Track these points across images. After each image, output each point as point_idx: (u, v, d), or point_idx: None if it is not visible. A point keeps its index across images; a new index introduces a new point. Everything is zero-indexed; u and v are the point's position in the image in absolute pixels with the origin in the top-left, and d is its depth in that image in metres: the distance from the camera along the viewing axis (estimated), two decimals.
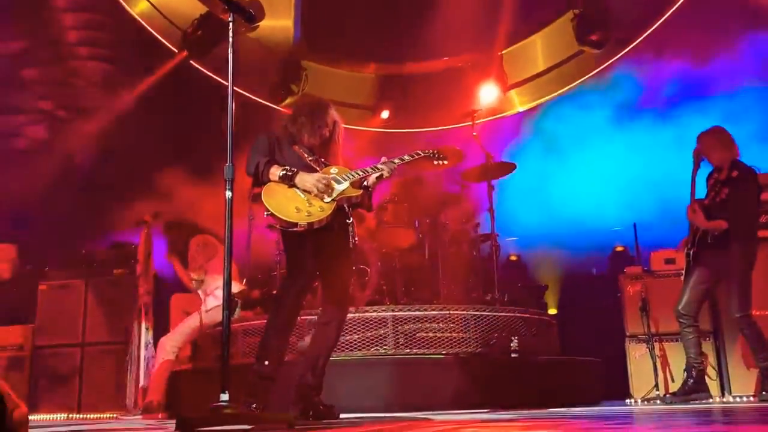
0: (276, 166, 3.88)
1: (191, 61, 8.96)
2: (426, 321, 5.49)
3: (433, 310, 5.56)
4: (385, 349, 5.37)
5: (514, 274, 8.69)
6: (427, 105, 9.62)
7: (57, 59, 8.67)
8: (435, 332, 5.49)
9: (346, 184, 3.95)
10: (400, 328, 5.44)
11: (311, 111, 4.13)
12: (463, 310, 5.61)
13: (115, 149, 8.45)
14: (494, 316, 5.68)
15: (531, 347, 5.79)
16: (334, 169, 4.01)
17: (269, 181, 3.87)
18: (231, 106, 3.34)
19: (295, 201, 3.83)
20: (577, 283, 8.71)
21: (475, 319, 5.58)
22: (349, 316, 5.33)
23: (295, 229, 3.79)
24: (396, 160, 4.11)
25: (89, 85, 8.96)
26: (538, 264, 9.06)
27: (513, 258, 9.20)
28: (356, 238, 4.04)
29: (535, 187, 9.20)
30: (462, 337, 5.49)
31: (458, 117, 8.17)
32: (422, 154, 4.22)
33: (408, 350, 5.38)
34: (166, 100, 8.87)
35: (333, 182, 3.93)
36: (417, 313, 5.51)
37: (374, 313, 5.48)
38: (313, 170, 3.99)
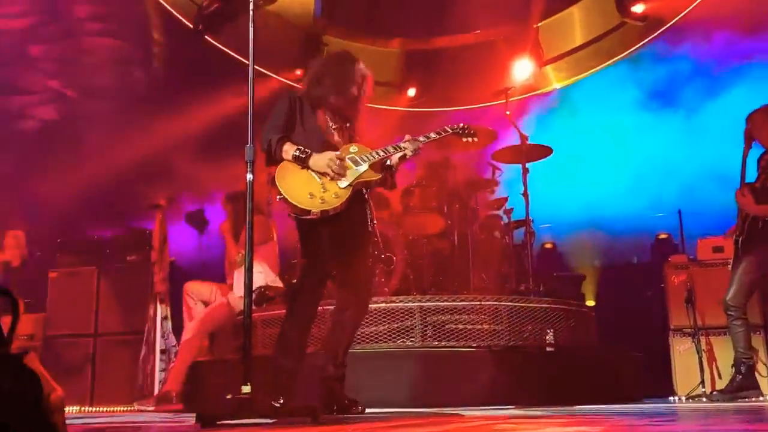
0: (289, 144, 3.81)
1: (206, 37, 9.00)
2: (455, 312, 5.50)
3: (463, 300, 5.56)
4: (412, 341, 5.39)
5: (550, 263, 8.68)
6: (457, 82, 9.59)
7: (66, 35, 8.77)
8: (465, 324, 5.49)
9: (365, 166, 3.87)
10: (428, 319, 5.45)
11: (338, 69, 4.05)
12: (495, 301, 5.60)
13: (128, 130, 8.55)
14: (528, 307, 5.67)
15: (567, 341, 5.78)
16: (353, 148, 3.93)
17: (282, 159, 3.82)
18: (252, 83, 3.37)
19: (310, 185, 3.75)
20: (617, 273, 8.68)
21: (507, 311, 5.58)
22: (375, 306, 5.39)
23: (308, 216, 3.74)
24: (421, 138, 4.05)
25: (100, 62, 9.06)
26: (574, 252, 9.05)
27: (548, 246, 9.18)
28: (375, 222, 4.04)
29: (572, 169, 9.17)
30: (494, 330, 5.49)
31: (490, 95, 8.12)
32: (450, 131, 4.18)
33: (436, 343, 5.39)
34: (181, 78, 8.94)
35: (351, 163, 3.85)
36: (446, 303, 5.51)
37: (401, 304, 5.49)
38: (332, 144, 3.91)
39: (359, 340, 5.29)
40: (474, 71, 9.32)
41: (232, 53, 9.03)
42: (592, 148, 9.36)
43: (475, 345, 5.41)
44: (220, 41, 9.08)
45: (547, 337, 5.69)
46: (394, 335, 5.42)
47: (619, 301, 8.03)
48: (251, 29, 3.41)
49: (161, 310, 6.36)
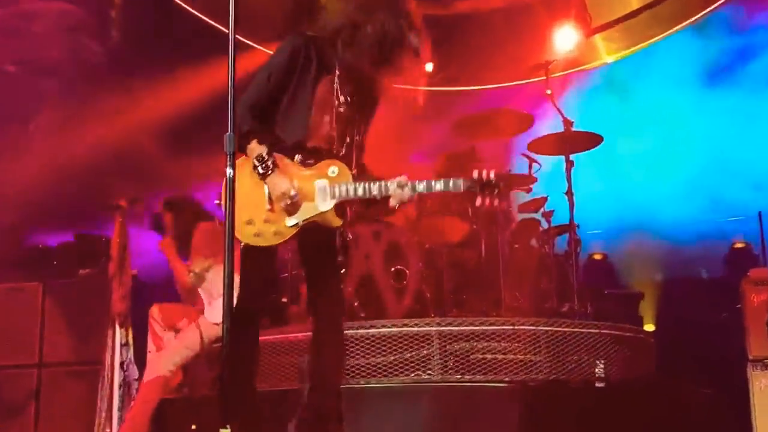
0: (254, 142, 3.65)
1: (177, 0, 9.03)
2: (483, 338, 5.47)
3: (493, 324, 5.53)
4: (429, 374, 5.36)
5: (599, 278, 8.69)
6: (485, 55, 9.56)
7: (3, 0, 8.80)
8: (495, 353, 5.46)
9: (328, 205, 3.72)
10: (449, 347, 5.42)
11: (387, 7, 3.68)
12: (532, 325, 5.56)
13: (81, 114, 8.57)
14: (573, 333, 5.63)
15: (621, 374, 5.75)
16: (333, 169, 3.75)
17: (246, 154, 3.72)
18: (232, 56, 3.35)
19: (255, 206, 3.69)
20: (683, 290, 8.64)
21: (547, 337, 5.54)
22: (383, 331, 5.40)
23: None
24: (420, 187, 3.69)
25: (46, 31, 9.08)
26: (630, 264, 9.02)
27: (597, 257, 9.17)
28: (345, 239, 3.99)
29: (626, 161, 9.15)
30: (531, 360, 5.45)
31: (526, 71, 8.11)
32: (462, 187, 3.69)
33: (459, 376, 5.36)
34: (146, 50, 8.95)
35: (317, 196, 3.71)
36: (471, 328, 5.48)
37: (415, 328, 5.46)
38: (314, 148, 3.79)
39: (363, 373, 5.28)
40: (505, 41, 9.29)
41: (208, 20, 9.03)
42: (651, 136, 9.33)
43: (507, 379, 5.37)
44: (194, 5, 9.09)
45: (597, 370, 5.65)
46: (407, 367, 5.39)
47: (685, 325, 7.98)
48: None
49: (120, 335, 6.35)
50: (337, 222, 3.78)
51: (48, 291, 7.02)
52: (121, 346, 6.41)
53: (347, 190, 3.71)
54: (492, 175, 3.65)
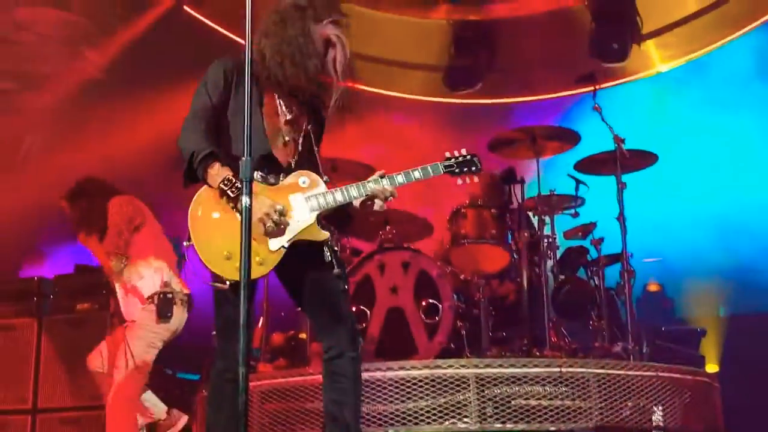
0: (219, 165, 3.63)
1: (185, 7, 9.11)
2: (525, 382, 5.41)
3: (536, 366, 5.48)
4: (466, 422, 5.31)
5: (656, 314, 8.63)
6: (524, 65, 9.58)
7: None
8: (539, 399, 5.41)
9: (310, 218, 3.75)
10: (487, 392, 5.36)
11: (286, 29, 3.81)
12: (581, 367, 5.51)
13: (80, 131, 8.65)
14: (626, 375, 5.56)
15: (682, 422, 5.67)
16: (303, 179, 3.81)
17: (205, 182, 3.68)
18: (248, 72, 3.35)
19: (229, 238, 3.56)
20: (752, 326, 8.53)
21: (597, 380, 5.47)
22: (414, 373, 5.35)
23: (218, 285, 3.65)
24: (399, 179, 3.86)
25: (43, 42, 9.18)
26: (690, 297, 8.96)
27: (653, 288, 9.11)
28: (336, 251, 3.91)
29: (684, 183, 9.10)
30: (579, 407, 5.39)
31: (570, 82, 8.09)
32: (441, 170, 3.96)
33: (500, 425, 5.30)
34: (152, 62, 9.03)
35: (293, 213, 3.73)
36: (512, 370, 5.42)
37: (449, 370, 5.41)
38: (272, 157, 3.78)
39: (391, 421, 5.24)
40: (547, 50, 9.30)
41: (219, 29, 9.11)
42: (712, 154, 9.26)
43: (553, 428, 5.32)
44: (204, 13, 9.18)
45: (654, 418, 5.60)
46: (440, 414, 5.34)
47: (755, 366, 7.88)
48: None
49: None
50: (323, 235, 3.80)
51: (44, 328, 7.04)
52: None
53: (326, 199, 3.78)
54: (464, 151, 4.01)
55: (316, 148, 3.99)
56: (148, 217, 5.96)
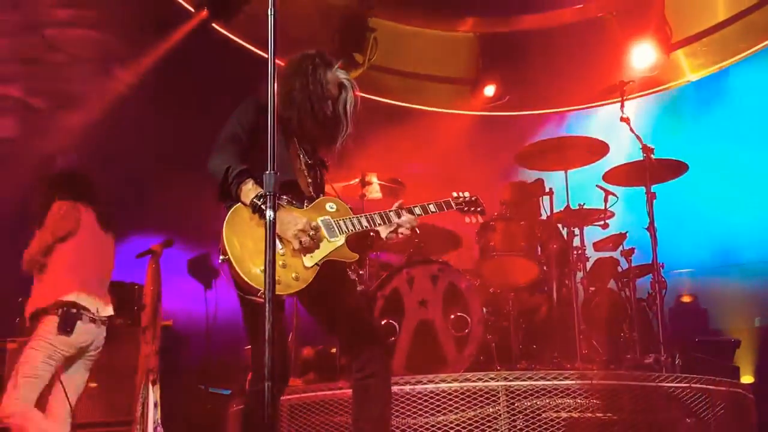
0: (253, 183, 3.80)
1: (213, 24, 9.17)
2: (556, 395, 5.40)
3: (567, 378, 5.45)
4: None
5: (688, 324, 8.55)
6: (552, 76, 9.54)
7: (27, 26, 9.01)
8: (570, 411, 5.38)
9: (341, 240, 3.94)
10: (517, 404, 5.35)
11: (300, 78, 4.06)
12: (613, 379, 5.49)
13: (110, 150, 8.72)
14: (659, 387, 5.54)
15: None
16: (330, 205, 4.04)
17: (238, 200, 3.83)
18: (273, 87, 3.37)
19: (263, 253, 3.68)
20: None
21: (629, 393, 5.45)
22: (444, 386, 5.35)
23: (253, 298, 3.75)
24: (417, 211, 4.14)
25: (72, 61, 9.28)
26: (724, 308, 8.87)
27: (686, 300, 9.02)
28: (359, 272, 4.08)
29: (716, 192, 9.03)
30: (611, 420, 5.36)
31: (599, 92, 8.07)
32: (453, 205, 4.34)
33: None
34: (181, 79, 9.09)
35: (324, 230, 3.92)
36: (542, 382, 5.41)
37: (478, 383, 5.41)
38: (299, 188, 3.97)
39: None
40: (575, 60, 9.27)
41: (247, 45, 9.17)
42: (744, 163, 9.19)
43: None
44: (232, 30, 9.24)
45: (687, 430, 5.54)
46: (470, 427, 5.32)
47: None
48: (271, 13, 3.42)
49: (152, 394, 6.37)
50: (353, 256, 3.99)
51: None
52: (154, 405, 6.43)
53: (353, 223, 4.01)
54: (466, 194, 4.39)
55: (320, 181, 4.20)
56: (87, 229, 5.82)
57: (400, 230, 4.06)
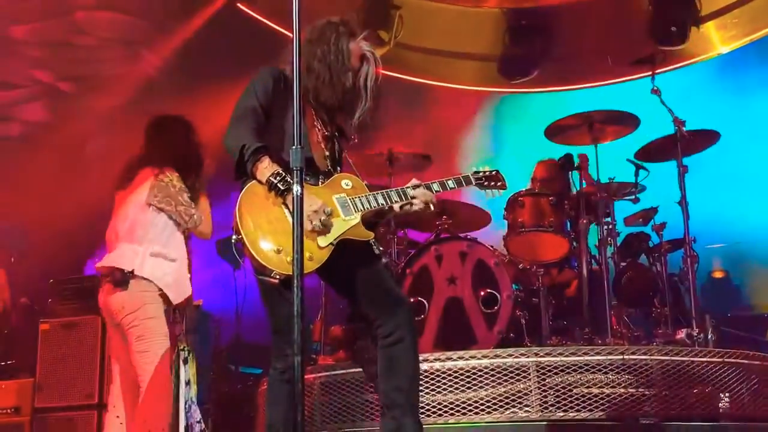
0: (269, 161, 3.73)
1: (238, 5, 9.16)
2: (587, 370, 5.35)
3: (598, 353, 5.40)
4: (527, 411, 5.26)
5: (721, 299, 8.56)
6: (580, 51, 9.48)
7: (55, 11, 9.04)
8: (601, 387, 5.34)
9: (355, 219, 3.86)
10: (548, 380, 5.31)
11: (323, 47, 3.94)
12: (644, 354, 5.42)
13: (138, 131, 8.73)
14: (691, 362, 5.47)
15: (750, 410, 5.56)
16: (346, 182, 3.96)
17: (254, 178, 3.77)
18: (297, 64, 3.34)
19: (280, 232, 3.68)
20: None
21: (661, 368, 5.39)
22: (473, 363, 5.33)
23: (266, 278, 3.70)
24: (435, 187, 4.05)
25: (101, 44, 9.30)
26: (757, 283, 8.86)
27: (718, 275, 9.01)
28: (380, 248, 4.00)
29: (749, 166, 8.96)
30: (642, 395, 5.30)
31: (628, 66, 7.99)
32: (473, 181, 4.21)
33: (561, 413, 5.25)
34: (207, 60, 9.10)
35: (339, 208, 3.85)
36: (572, 358, 5.36)
37: (509, 359, 5.38)
38: (314, 163, 3.88)
39: (450, 411, 5.22)
40: (604, 35, 9.20)
41: (273, 25, 9.16)
42: None
43: (616, 417, 5.24)
44: (257, 9, 9.22)
45: (720, 405, 5.49)
46: (500, 403, 5.30)
47: None
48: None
49: (183, 373, 6.37)
50: (369, 234, 3.92)
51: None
52: (186, 384, 6.44)
53: (368, 200, 3.93)
54: (486, 169, 4.26)
55: (338, 156, 4.10)
56: None
57: (415, 205, 3.98)
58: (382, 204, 3.94)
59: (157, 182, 5.08)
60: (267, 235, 3.68)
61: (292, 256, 3.45)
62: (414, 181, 4.02)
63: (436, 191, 4.03)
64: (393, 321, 3.90)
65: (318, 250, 3.73)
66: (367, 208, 3.90)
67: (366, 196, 3.93)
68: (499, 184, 4.24)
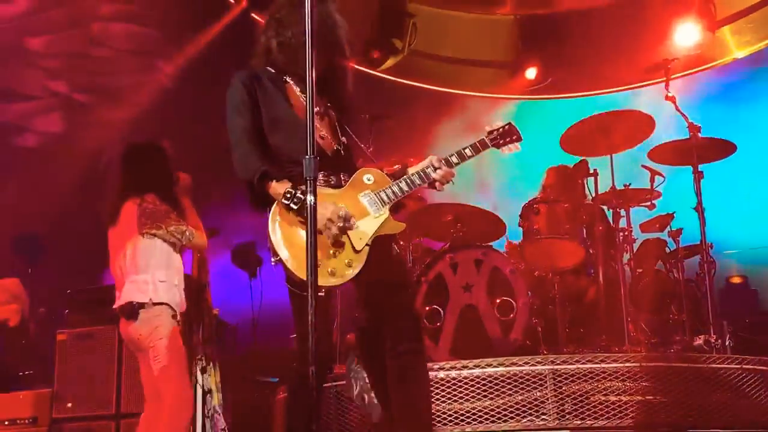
0: (273, 183, 3.72)
1: (252, 15, 9.18)
2: (604, 378, 5.35)
3: (615, 361, 5.41)
4: (543, 419, 5.27)
5: (739, 305, 8.46)
6: (595, 57, 9.44)
7: (71, 22, 9.09)
8: (618, 394, 5.33)
9: (385, 213, 3.84)
10: (565, 388, 5.32)
11: (298, 13, 3.73)
12: (662, 362, 5.44)
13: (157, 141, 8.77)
14: (709, 369, 5.47)
15: None
16: (367, 177, 3.91)
17: (272, 200, 3.75)
18: (311, 74, 3.33)
19: None
20: None
21: (679, 375, 5.39)
22: (489, 370, 5.32)
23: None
24: (454, 159, 4.00)
25: (116, 55, 9.34)
26: None
27: (736, 280, 8.94)
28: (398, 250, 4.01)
29: (763, 171, 8.94)
30: (660, 402, 5.30)
31: (643, 72, 7.97)
32: (489, 143, 4.11)
33: (579, 421, 5.25)
34: (222, 70, 9.10)
35: (370, 210, 3.82)
36: (589, 365, 5.37)
37: (525, 367, 5.39)
38: (319, 145, 3.78)
39: (466, 419, 5.21)
40: (618, 40, 9.16)
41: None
42: None
43: (634, 424, 5.23)
44: None
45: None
46: (517, 412, 5.30)
47: None
48: (308, 1, 3.38)
49: (203, 382, 6.37)
50: (400, 226, 3.95)
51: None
52: (205, 393, 6.43)
53: (393, 191, 3.91)
54: (499, 124, 4.16)
55: (345, 140, 4.05)
56: None
57: (437, 184, 3.97)
58: (407, 190, 3.92)
59: (143, 210, 5.24)
60: (302, 252, 3.58)
61: (332, 267, 3.61)
62: (432, 157, 3.99)
63: (455, 163, 3.98)
64: (402, 332, 3.87)
65: (355, 254, 3.72)
66: (393, 199, 3.88)
67: (390, 186, 3.90)
68: (514, 137, 4.16)
